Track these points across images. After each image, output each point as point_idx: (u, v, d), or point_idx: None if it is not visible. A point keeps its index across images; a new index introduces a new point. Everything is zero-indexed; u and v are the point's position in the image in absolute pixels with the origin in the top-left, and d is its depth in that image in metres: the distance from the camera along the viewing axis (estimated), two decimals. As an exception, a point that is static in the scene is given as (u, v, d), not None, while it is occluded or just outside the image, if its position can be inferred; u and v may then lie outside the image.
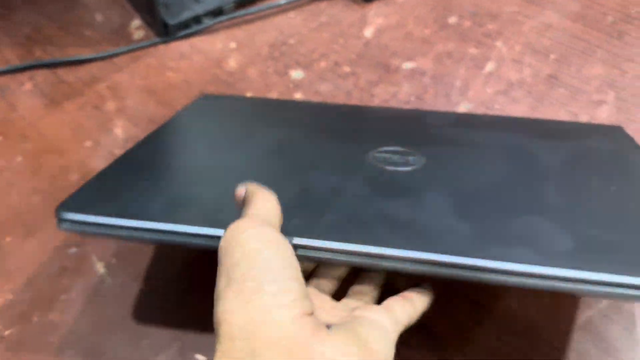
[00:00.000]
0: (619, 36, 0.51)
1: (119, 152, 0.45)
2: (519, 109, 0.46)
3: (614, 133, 0.38)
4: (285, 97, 0.48)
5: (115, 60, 0.53)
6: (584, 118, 0.45)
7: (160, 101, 0.49)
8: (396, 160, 0.33)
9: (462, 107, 0.46)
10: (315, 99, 0.48)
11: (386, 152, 0.34)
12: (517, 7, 0.54)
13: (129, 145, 0.45)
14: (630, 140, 0.37)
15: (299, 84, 0.49)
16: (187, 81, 0.50)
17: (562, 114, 0.45)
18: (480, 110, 0.46)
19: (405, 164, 0.33)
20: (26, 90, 0.51)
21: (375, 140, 0.35)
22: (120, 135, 0.47)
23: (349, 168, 0.33)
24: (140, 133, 0.46)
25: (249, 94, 0.49)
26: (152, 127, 0.46)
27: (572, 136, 0.37)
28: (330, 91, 0.49)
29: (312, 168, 0.33)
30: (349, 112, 0.43)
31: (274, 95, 0.49)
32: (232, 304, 0.21)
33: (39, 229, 0.40)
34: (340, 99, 0.48)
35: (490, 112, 0.46)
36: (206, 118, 0.41)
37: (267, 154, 0.35)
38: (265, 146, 0.36)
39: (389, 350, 0.24)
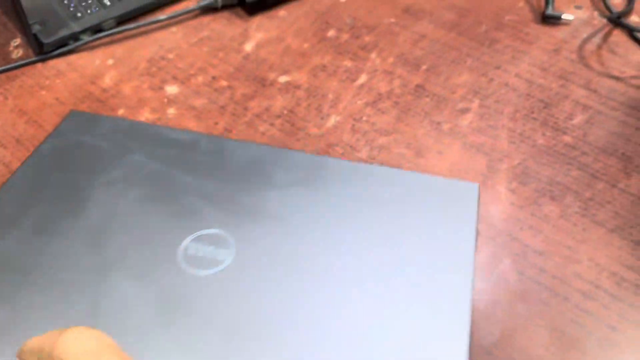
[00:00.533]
0: (490, 44, 0.53)
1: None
2: (385, 120, 0.47)
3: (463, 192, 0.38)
4: (159, 113, 0.48)
5: (-10, 80, 0.52)
6: (446, 127, 0.46)
7: (30, 121, 0.48)
8: (206, 255, 0.34)
9: (332, 120, 0.47)
10: (189, 113, 0.48)
11: (200, 240, 0.35)
12: (394, 18, 0.56)
13: (-8, 167, 0.45)
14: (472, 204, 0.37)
15: (174, 99, 0.49)
16: (60, 100, 0.50)
17: (425, 124, 0.46)
18: (349, 123, 0.47)
19: (213, 262, 0.34)
20: None
21: (196, 218, 0.36)
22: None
23: (152, 270, 0.33)
24: (8, 154, 0.46)
25: (120, 111, 0.48)
26: (19, 148, 0.46)
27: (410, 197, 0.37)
28: (204, 105, 0.49)
29: (113, 268, 0.33)
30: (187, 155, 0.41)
31: (146, 111, 0.48)
32: None
33: None
34: (213, 113, 0.48)
35: (358, 124, 0.47)
36: (53, 169, 0.40)
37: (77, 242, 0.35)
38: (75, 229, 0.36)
39: None
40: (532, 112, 0.47)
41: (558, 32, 0.54)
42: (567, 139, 0.45)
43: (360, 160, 0.44)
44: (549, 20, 0.55)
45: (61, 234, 0.36)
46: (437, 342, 0.30)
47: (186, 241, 0.35)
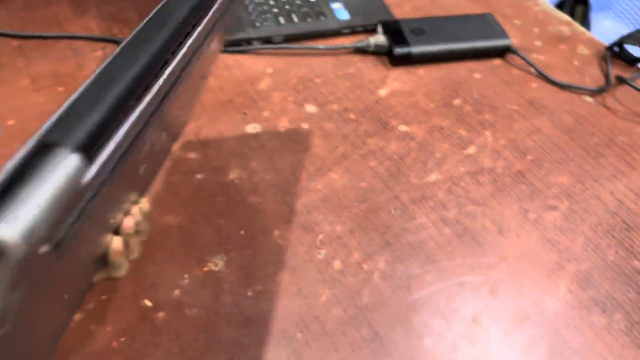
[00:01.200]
0: (595, 156, 0.57)
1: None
2: (480, 192, 0.53)
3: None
4: (294, 124, 0.57)
5: (173, 55, 0.64)
6: (531, 216, 0.51)
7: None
8: None
9: (433, 176, 0.54)
10: (318, 132, 0.57)
11: None
12: (517, 106, 0.61)
13: (157, 125, 0.55)
14: None
15: (310, 116, 0.58)
16: (222, 88, 0.60)
17: (514, 207, 0.52)
18: (447, 183, 0.53)
19: None
20: (95, 57, 0.62)
21: None
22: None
23: None
24: (170, 119, 0.56)
25: (265, 114, 0.58)
26: (179, 117, 0.56)
27: None
28: (332, 129, 0.57)
29: None
30: None
31: (285, 120, 0.58)
32: None
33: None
34: (337, 138, 0.56)
35: (454, 187, 0.53)
36: None
37: None
38: None
39: None
40: (613, 230, 0.51)
41: (665, 166, 0.57)
42: (637, 263, 0.49)
43: (446, 218, 0.50)
44: (661, 152, 0.58)
45: None
46: None
47: None
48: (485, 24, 0.68)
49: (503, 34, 0.67)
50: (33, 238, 0.16)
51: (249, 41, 0.64)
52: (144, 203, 0.36)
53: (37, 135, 0.18)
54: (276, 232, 0.49)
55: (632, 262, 0.49)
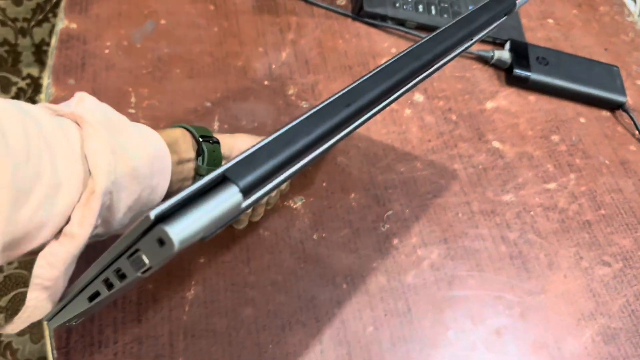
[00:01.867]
0: (666, 234, 0.59)
1: (274, 67, 0.61)
2: (544, 224, 0.56)
3: None
4: (398, 106, 0.62)
5: (315, 9, 0.69)
6: (584, 264, 0.55)
7: (322, 55, 0.64)
8: None
9: (508, 197, 0.58)
10: (417, 122, 0.61)
11: None
12: (609, 161, 0.63)
13: (283, 68, 0.61)
14: None
15: (415, 104, 0.63)
16: (347, 54, 0.65)
17: (570, 249, 0.55)
18: (518, 207, 0.57)
19: None
20: (248, -9, 0.68)
21: None
22: (283, 59, 0.63)
23: None
24: (295, 66, 0.62)
25: (377, 88, 0.63)
26: (304, 68, 0.62)
27: None
28: (430, 123, 0.61)
29: None
30: None
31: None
32: None
33: (198, 79, 0.57)
34: (432, 132, 0.61)
35: (523, 213, 0.57)
36: None
37: None
38: None
39: None
40: (656, 304, 0.53)
41: None
42: (666, 341, 0.51)
43: (506, 237, 0.54)
44: None
45: None
46: None
47: None
48: (608, 74, 0.69)
49: (622, 90, 0.68)
50: (189, 242, 0.23)
51: (384, 18, 0.68)
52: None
53: (223, 168, 0.24)
54: (353, 194, 0.54)
55: (662, 338, 0.51)
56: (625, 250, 0.57)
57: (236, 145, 0.45)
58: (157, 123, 0.54)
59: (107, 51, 0.59)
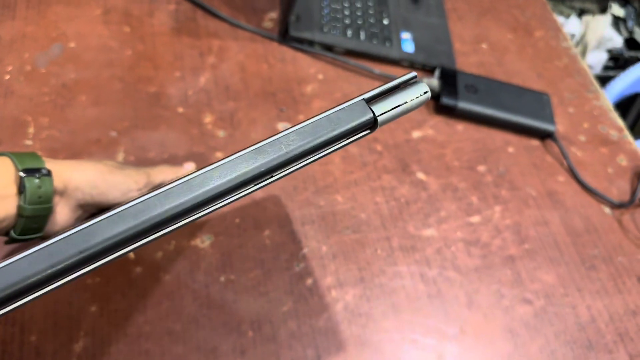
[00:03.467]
0: (589, 268, 0.58)
1: (190, 94, 0.58)
2: (466, 261, 0.55)
3: None
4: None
5: (239, 32, 0.66)
6: (505, 302, 0.53)
7: (243, 79, 0.62)
8: None
9: (428, 232, 0.56)
10: (341, 153, 0.59)
11: None
12: (536, 192, 0.62)
13: (199, 95, 0.58)
14: None
15: (339, 134, 0.60)
16: (270, 79, 0.63)
17: (492, 288, 0.54)
18: (439, 242, 0.55)
19: None
20: (169, 10, 0.65)
21: None
22: (201, 84, 0.60)
23: None
24: (212, 93, 0.59)
25: (301, 117, 0.60)
26: (223, 94, 0.59)
27: None
28: (354, 155, 0.59)
29: None
30: None
31: (315, 129, 0.60)
32: None
33: (105, 107, 0.54)
34: (356, 163, 0.58)
35: (444, 249, 0.55)
36: None
37: None
38: None
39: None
40: (575, 343, 0.52)
41: (652, 301, 0.58)
42: (584, 383, 0.50)
43: (424, 275, 0.52)
44: (654, 286, 0.59)
45: None
46: None
47: None
48: (538, 103, 0.69)
49: (551, 119, 0.67)
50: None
51: (311, 43, 0.66)
52: None
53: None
54: (267, 231, 0.52)
55: (580, 380, 0.50)
56: (547, 286, 0.55)
57: (73, 178, 0.38)
58: (56, 155, 0.51)
59: (7, 77, 0.55)
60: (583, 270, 0.58)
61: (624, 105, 1.30)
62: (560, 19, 1.49)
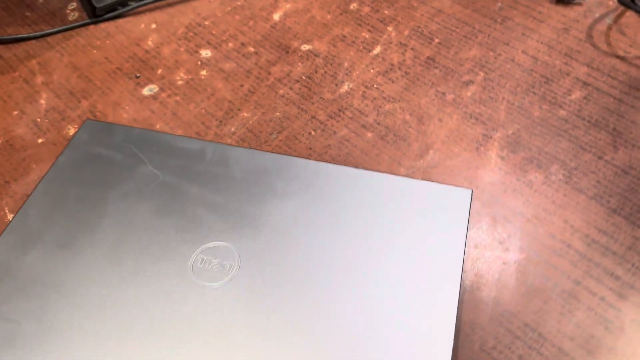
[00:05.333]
0: (502, 21, 0.56)
1: (40, 120, 0.51)
2: (393, 88, 0.51)
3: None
4: (192, 74, 0.54)
5: (49, 39, 0.59)
6: (449, 97, 0.50)
7: (82, 76, 0.55)
8: (213, 268, 0.37)
9: (345, 86, 0.52)
10: (218, 75, 0.54)
11: (208, 252, 0.38)
12: (414, -6, 0.59)
13: (50, 114, 0.52)
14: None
15: (206, 62, 0.55)
16: (108, 59, 0.56)
17: (430, 93, 0.50)
18: (360, 90, 0.51)
19: (220, 274, 0.37)
20: (-33, 65, 0.57)
21: (203, 230, 0.39)
22: (44, 106, 0.53)
23: (166, 283, 0.37)
24: (61, 104, 0.53)
25: (159, 71, 0.55)
26: (71, 99, 0.53)
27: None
28: (233, 69, 0.54)
29: (130, 283, 0.37)
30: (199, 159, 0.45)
31: (181, 71, 0.54)
32: None
33: (-40, 185, 0.47)
34: (240, 76, 0.54)
35: (368, 91, 0.51)
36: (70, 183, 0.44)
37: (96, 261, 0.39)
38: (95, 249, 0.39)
39: None
40: (533, 87, 0.50)
41: (570, 12, 0.56)
42: (562, 113, 0.48)
43: (366, 123, 0.49)
44: (563, 0, 0.57)
45: (82, 249, 0.39)
46: (425, 339, 0.34)
47: (195, 254, 0.38)
48: None
49: None
50: None
51: (123, 3, 0.60)
52: None
53: None
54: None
55: (558, 112, 0.48)
56: (478, 60, 0.53)
57: None
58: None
59: None
60: (498, 26, 0.55)
61: None
62: None
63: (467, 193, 0.40)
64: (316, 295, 0.36)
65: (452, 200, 0.40)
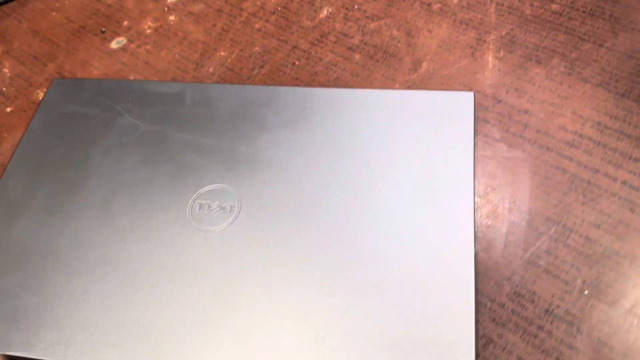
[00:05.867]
0: None
1: (6, 89, 0.48)
2: (376, 6, 0.48)
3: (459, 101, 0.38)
4: (160, 21, 0.51)
5: (4, 8, 0.55)
6: (435, 7, 0.47)
7: (45, 39, 0.51)
8: (212, 211, 0.35)
9: (325, 11, 0.49)
10: (188, 19, 0.50)
11: (205, 196, 0.36)
12: None
13: (16, 82, 0.48)
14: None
15: (173, 7, 0.52)
16: (70, 19, 0.53)
17: (415, 6, 0.48)
18: (341, 12, 0.48)
19: (221, 217, 0.35)
20: None
21: (197, 175, 0.37)
22: (8, 74, 0.49)
23: (165, 233, 0.35)
24: (27, 70, 0.49)
25: (125, 23, 0.51)
26: (36, 64, 0.49)
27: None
28: (202, 10, 0.51)
29: (127, 238, 0.35)
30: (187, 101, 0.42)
31: (149, 20, 0.51)
32: None
33: None
34: (211, 16, 0.50)
35: (350, 13, 0.48)
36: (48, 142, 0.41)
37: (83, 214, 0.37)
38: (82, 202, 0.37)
39: None
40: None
41: None
42: (555, 6, 0.46)
43: (352, 45, 0.46)
44: None
45: (71, 212, 0.36)
46: (446, 242, 0.32)
47: (192, 200, 0.36)
48: None
49: None
50: None
51: (78, -41, 0.56)
52: None
53: None
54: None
55: (550, 6, 0.46)
56: (459, -32, 0.50)
57: None
58: None
59: None
60: None
61: None
62: None
63: (469, 96, 0.38)
64: (326, 224, 0.34)
65: (454, 105, 0.38)
